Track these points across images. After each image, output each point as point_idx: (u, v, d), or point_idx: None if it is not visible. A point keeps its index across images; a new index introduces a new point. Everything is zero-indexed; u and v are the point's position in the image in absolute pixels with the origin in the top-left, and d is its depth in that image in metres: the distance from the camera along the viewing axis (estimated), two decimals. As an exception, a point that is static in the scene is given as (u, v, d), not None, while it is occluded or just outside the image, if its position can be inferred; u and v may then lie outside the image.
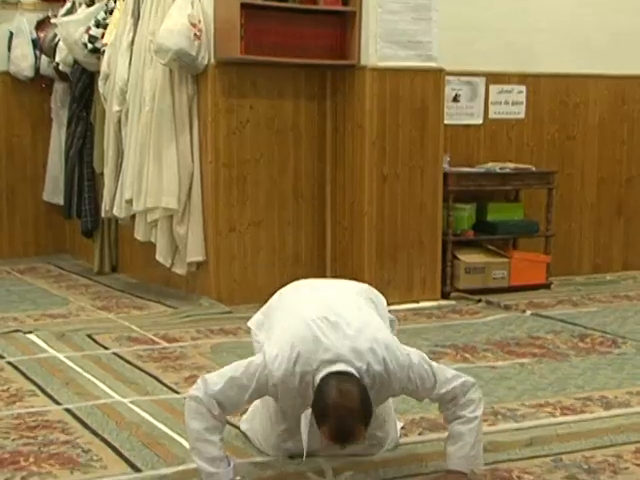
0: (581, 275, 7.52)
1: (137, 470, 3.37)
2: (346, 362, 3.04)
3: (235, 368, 3.14)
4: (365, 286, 3.64)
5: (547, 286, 6.99)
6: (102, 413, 4.00)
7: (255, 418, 3.61)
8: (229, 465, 3.17)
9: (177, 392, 4.33)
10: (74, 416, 3.97)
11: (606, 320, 5.95)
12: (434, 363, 3.25)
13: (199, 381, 3.15)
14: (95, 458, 3.48)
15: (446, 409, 3.24)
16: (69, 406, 4.10)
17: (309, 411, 3.05)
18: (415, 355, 3.20)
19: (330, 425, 2.92)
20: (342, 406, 2.90)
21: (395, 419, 3.67)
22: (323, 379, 3.01)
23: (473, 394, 3.20)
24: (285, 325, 3.22)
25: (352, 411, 2.91)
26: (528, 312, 6.15)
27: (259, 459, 3.47)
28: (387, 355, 3.09)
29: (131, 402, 4.16)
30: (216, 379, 3.12)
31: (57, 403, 4.16)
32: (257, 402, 3.54)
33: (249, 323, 3.63)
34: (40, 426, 3.83)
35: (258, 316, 3.59)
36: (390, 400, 3.54)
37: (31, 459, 3.46)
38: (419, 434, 3.74)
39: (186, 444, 3.56)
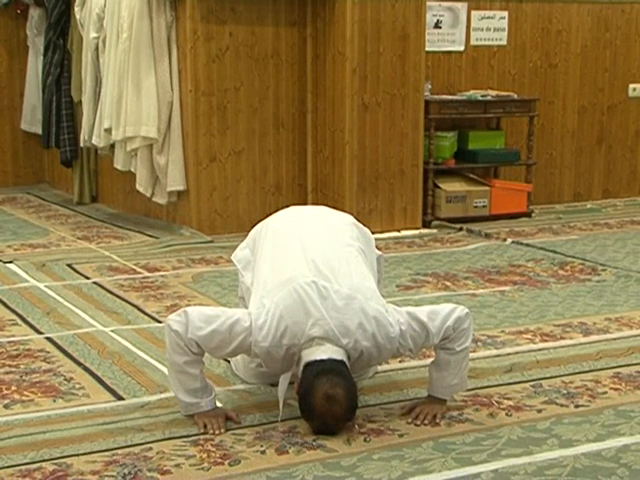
0: (562, 203, 7.56)
1: (119, 398, 3.39)
2: (333, 341, 3.02)
3: (221, 321, 3.05)
4: (352, 219, 3.59)
5: (528, 214, 7.01)
6: (84, 342, 4.01)
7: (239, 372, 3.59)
8: (210, 395, 3.18)
9: (159, 321, 4.33)
10: (56, 345, 3.97)
11: (586, 248, 5.98)
12: (425, 312, 3.16)
13: (182, 315, 3.07)
14: (77, 387, 3.49)
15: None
16: (51, 335, 4.10)
17: (288, 374, 3.10)
18: (404, 318, 3.13)
19: (315, 425, 3.03)
20: (328, 413, 2.96)
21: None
22: (310, 369, 2.98)
23: (464, 324, 3.17)
24: (272, 284, 3.14)
25: (338, 416, 2.98)
26: (509, 240, 6.18)
27: (240, 387, 3.49)
28: (377, 330, 3.06)
29: (112, 331, 4.17)
30: (199, 323, 3.04)
31: (39, 332, 4.16)
32: None
33: (234, 258, 3.58)
34: (22, 355, 3.84)
35: (244, 252, 3.53)
36: None
37: (13, 387, 3.47)
38: (399, 361, 3.76)
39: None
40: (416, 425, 3.14)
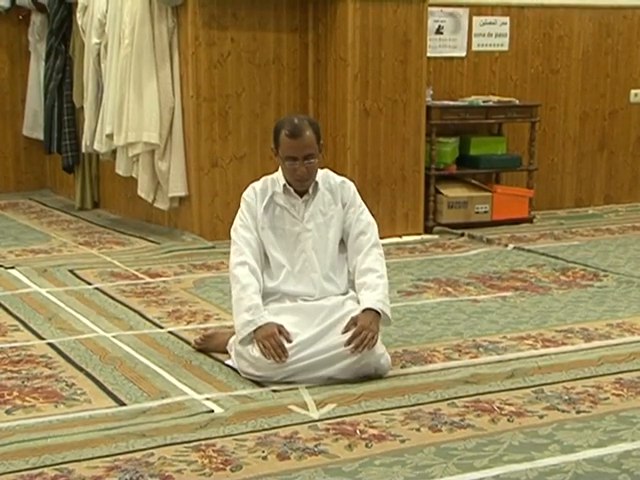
0: (563, 209, 7.56)
1: (121, 404, 3.39)
2: None
3: (237, 219, 3.81)
4: None
5: (529, 220, 7.01)
6: (85, 348, 4.01)
7: (244, 351, 3.62)
8: (262, 312, 3.57)
9: (160, 327, 4.34)
10: (58, 351, 3.97)
11: (588, 254, 5.98)
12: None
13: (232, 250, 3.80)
14: (79, 392, 3.49)
15: (358, 259, 3.69)
16: (52, 341, 4.11)
17: None
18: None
19: (286, 127, 3.64)
20: (294, 116, 3.76)
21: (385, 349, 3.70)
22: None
23: (381, 253, 3.73)
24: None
25: (301, 116, 3.79)
26: (510, 246, 6.18)
27: (242, 392, 3.49)
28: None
29: (114, 337, 4.17)
30: (233, 234, 3.78)
31: (40, 338, 4.16)
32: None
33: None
34: (24, 360, 3.84)
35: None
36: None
37: (15, 393, 3.47)
38: (401, 367, 3.76)
39: (169, 378, 3.63)
40: (357, 348, 3.46)
